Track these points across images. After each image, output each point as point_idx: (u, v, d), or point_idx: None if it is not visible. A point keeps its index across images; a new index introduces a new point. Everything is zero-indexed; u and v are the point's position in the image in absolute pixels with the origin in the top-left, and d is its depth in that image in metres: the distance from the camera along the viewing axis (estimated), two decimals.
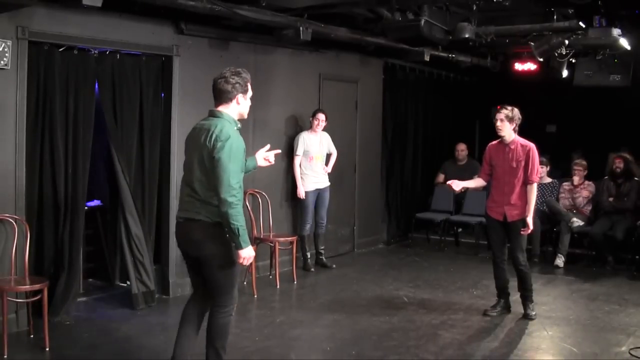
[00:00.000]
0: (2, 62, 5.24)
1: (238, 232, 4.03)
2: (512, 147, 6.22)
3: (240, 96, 4.27)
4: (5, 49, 5.24)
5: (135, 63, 6.30)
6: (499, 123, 6.22)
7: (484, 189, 9.37)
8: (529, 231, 6.15)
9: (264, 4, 6.24)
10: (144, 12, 6.10)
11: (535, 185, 6.14)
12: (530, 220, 6.09)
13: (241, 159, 4.14)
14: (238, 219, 4.02)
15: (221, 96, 4.26)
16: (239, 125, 4.31)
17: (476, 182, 6.64)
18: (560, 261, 8.48)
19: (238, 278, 4.44)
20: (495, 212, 6.23)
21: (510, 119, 6.19)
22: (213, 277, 4.27)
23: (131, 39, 6.19)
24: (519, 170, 6.13)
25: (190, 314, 4.47)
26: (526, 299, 6.30)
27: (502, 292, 6.40)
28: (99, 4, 5.03)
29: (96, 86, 6.01)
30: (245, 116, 4.41)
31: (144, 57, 6.37)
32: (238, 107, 4.30)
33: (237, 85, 4.24)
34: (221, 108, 4.27)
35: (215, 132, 4.12)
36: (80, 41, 5.79)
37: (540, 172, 6.15)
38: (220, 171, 4.02)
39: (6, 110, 5.36)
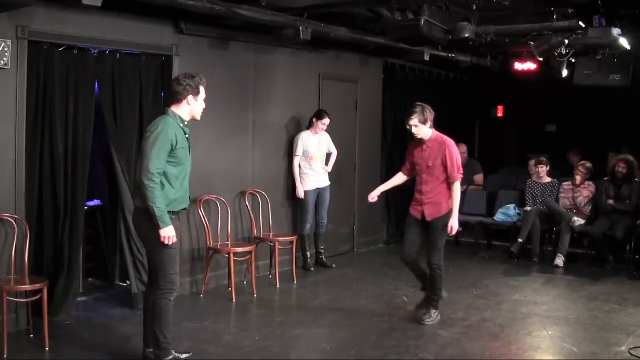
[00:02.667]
0: (2, 62, 5.23)
1: (154, 211, 4.43)
2: (429, 145, 5.87)
3: (190, 97, 4.67)
4: (5, 49, 5.24)
5: (135, 63, 6.30)
6: (414, 130, 5.81)
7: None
8: (454, 232, 5.84)
9: (264, 4, 6.24)
10: (144, 12, 6.09)
11: (458, 184, 5.83)
12: (454, 221, 5.79)
13: (165, 149, 4.47)
14: (154, 200, 4.42)
15: (172, 96, 4.70)
16: (185, 124, 4.67)
17: (397, 179, 6.28)
18: (560, 261, 8.48)
19: (173, 264, 4.64)
20: (415, 210, 5.98)
21: (424, 121, 5.81)
22: (148, 258, 4.84)
23: (131, 38, 6.19)
24: (436, 169, 5.83)
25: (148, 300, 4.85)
26: (430, 302, 6.01)
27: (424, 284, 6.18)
28: (99, 4, 5.04)
29: (96, 86, 6.01)
30: (198, 118, 4.78)
31: (143, 57, 6.37)
32: (189, 107, 4.69)
33: (188, 87, 4.65)
34: (172, 107, 4.68)
35: (150, 125, 4.62)
36: (80, 41, 5.78)
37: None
38: (143, 157, 4.50)
39: (6, 110, 5.36)
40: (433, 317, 5.98)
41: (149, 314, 4.76)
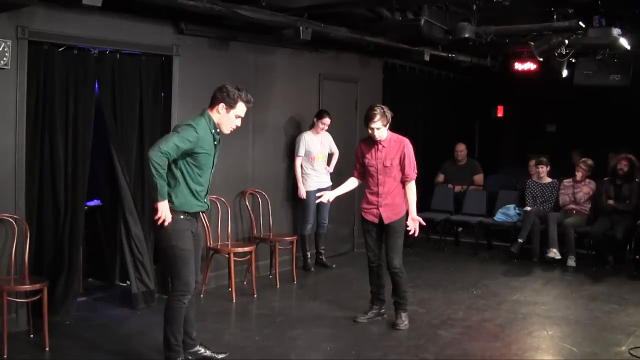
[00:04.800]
0: (2, 62, 5.23)
1: (157, 187, 4.36)
2: (385, 145, 5.73)
3: (221, 106, 4.53)
4: (5, 49, 5.24)
5: (135, 63, 6.29)
6: (376, 132, 5.65)
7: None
8: (416, 232, 5.78)
9: (264, 4, 6.24)
10: (144, 12, 6.10)
11: (413, 183, 5.75)
12: (417, 218, 5.74)
13: (182, 142, 4.37)
14: (157, 176, 4.34)
15: (211, 100, 4.59)
16: (217, 130, 4.56)
17: (350, 184, 6.06)
18: (571, 261, 8.43)
19: (187, 265, 4.55)
20: (370, 214, 5.82)
21: (386, 123, 5.67)
22: (162, 259, 4.75)
23: (131, 38, 6.18)
24: (394, 169, 5.71)
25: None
26: (399, 306, 5.90)
27: (376, 299, 6.09)
28: (99, 4, 5.03)
29: (96, 86, 6.01)
30: (225, 131, 4.62)
31: (144, 57, 6.36)
32: (218, 115, 4.55)
33: (225, 95, 4.51)
34: (209, 109, 4.59)
35: (182, 122, 4.58)
36: (80, 41, 5.78)
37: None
38: (162, 137, 4.46)
39: (6, 110, 5.35)
40: (406, 319, 5.91)
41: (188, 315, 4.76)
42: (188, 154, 4.46)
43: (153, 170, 4.35)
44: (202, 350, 4.92)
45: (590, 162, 9.00)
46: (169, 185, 4.47)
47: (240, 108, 4.56)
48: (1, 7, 5.07)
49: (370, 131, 5.71)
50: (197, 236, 4.74)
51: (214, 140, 4.56)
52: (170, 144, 4.36)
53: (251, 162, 7.65)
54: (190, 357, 4.83)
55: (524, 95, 11.87)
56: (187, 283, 4.57)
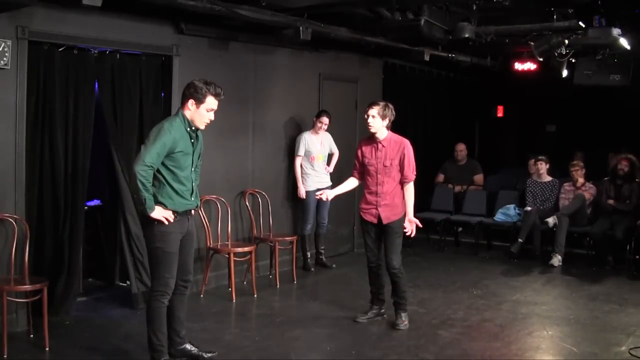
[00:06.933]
0: (2, 62, 5.23)
1: (145, 202, 4.40)
2: (385, 144, 5.75)
3: (190, 102, 4.54)
4: (5, 49, 5.24)
5: (135, 63, 6.29)
6: (370, 119, 5.69)
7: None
8: (412, 233, 5.80)
9: (264, 4, 6.24)
10: (144, 12, 6.10)
11: (412, 185, 5.75)
12: (414, 220, 5.76)
13: (162, 146, 4.40)
14: (144, 190, 4.39)
15: (181, 98, 4.65)
16: (193, 129, 4.58)
17: (349, 184, 6.08)
18: (556, 260, 8.46)
19: (169, 267, 4.57)
20: (369, 214, 5.82)
21: (383, 116, 5.69)
22: (148, 257, 4.81)
23: (131, 38, 6.19)
24: (393, 169, 5.72)
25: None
26: (399, 306, 5.90)
27: (376, 299, 6.10)
28: (99, 4, 5.03)
29: (96, 86, 6.01)
30: (199, 126, 4.62)
31: (144, 57, 6.36)
32: (189, 112, 4.56)
33: (192, 91, 4.53)
34: (182, 109, 4.60)
35: (158, 124, 4.56)
36: (80, 41, 5.78)
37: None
38: (141, 148, 4.45)
39: (6, 110, 5.36)
40: (406, 319, 5.91)
41: (170, 315, 4.77)
42: (165, 155, 4.47)
43: (140, 185, 4.38)
44: (189, 348, 4.91)
45: (581, 163, 9.02)
46: (153, 186, 4.49)
47: (210, 102, 4.55)
48: (1, 7, 5.08)
49: (365, 117, 5.75)
50: (189, 235, 4.75)
51: (191, 138, 4.58)
52: (153, 154, 4.38)
53: (251, 162, 7.65)
54: (177, 355, 4.83)
55: (524, 95, 11.88)
56: (167, 284, 4.60)
